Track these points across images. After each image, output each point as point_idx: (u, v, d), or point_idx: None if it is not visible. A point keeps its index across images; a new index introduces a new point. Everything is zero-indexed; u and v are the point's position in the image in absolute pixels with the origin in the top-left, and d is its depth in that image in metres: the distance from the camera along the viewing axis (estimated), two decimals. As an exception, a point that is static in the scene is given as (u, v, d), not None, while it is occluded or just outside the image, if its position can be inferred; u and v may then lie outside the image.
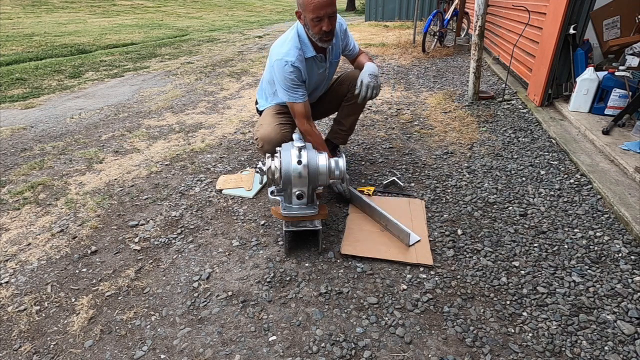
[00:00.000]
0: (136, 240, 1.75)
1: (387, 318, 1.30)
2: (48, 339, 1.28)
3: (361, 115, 3.06)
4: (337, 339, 1.23)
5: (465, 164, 2.33)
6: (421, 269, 1.51)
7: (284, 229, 1.58)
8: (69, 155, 2.68)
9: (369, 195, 2.01)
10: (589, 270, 1.46)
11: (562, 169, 2.19)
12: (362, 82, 1.82)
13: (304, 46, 1.76)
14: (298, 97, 1.80)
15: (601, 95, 2.67)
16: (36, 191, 2.21)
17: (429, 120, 3.09)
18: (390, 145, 2.62)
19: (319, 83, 1.97)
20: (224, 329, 1.29)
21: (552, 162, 2.28)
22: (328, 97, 2.12)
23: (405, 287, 1.43)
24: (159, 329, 1.29)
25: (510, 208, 1.87)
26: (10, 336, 1.29)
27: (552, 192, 1.98)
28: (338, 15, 1.87)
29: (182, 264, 1.59)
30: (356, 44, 2.01)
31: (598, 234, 1.65)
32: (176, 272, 1.55)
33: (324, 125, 3.00)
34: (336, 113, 2.20)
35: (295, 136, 1.59)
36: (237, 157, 2.58)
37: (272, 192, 1.63)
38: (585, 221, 1.74)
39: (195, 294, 1.43)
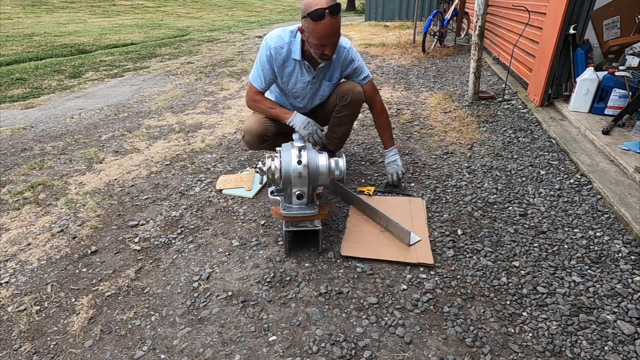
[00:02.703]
0: (136, 240, 1.75)
1: (387, 318, 1.30)
2: (48, 339, 1.28)
3: (361, 115, 3.06)
4: (337, 339, 1.23)
5: (465, 164, 2.33)
6: (421, 269, 1.51)
7: (284, 229, 1.58)
8: (69, 155, 2.68)
9: (369, 195, 2.01)
10: (589, 270, 1.46)
11: (562, 169, 2.19)
12: (390, 174, 2.03)
13: (294, 46, 1.73)
14: (258, 81, 1.82)
15: (601, 95, 2.67)
16: (36, 191, 2.21)
17: (429, 120, 3.09)
18: (390, 145, 2.62)
19: (301, 93, 1.90)
20: (224, 329, 1.29)
21: (552, 162, 2.28)
22: (320, 110, 2.08)
23: (405, 287, 1.43)
24: (159, 329, 1.29)
25: (510, 208, 1.87)
26: (10, 336, 1.29)
27: (552, 192, 1.98)
28: (349, 44, 1.83)
29: (182, 264, 1.59)
30: (368, 74, 1.93)
31: (598, 234, 1.65)
32: (176, 272, 1.55)
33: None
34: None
35: (295, 136, 1.59)
36: (237, 157, 2.58)
37: (272, 192, 1.63)
38: (585, 221, 1.74)
39: (195, 294, 1.43)
